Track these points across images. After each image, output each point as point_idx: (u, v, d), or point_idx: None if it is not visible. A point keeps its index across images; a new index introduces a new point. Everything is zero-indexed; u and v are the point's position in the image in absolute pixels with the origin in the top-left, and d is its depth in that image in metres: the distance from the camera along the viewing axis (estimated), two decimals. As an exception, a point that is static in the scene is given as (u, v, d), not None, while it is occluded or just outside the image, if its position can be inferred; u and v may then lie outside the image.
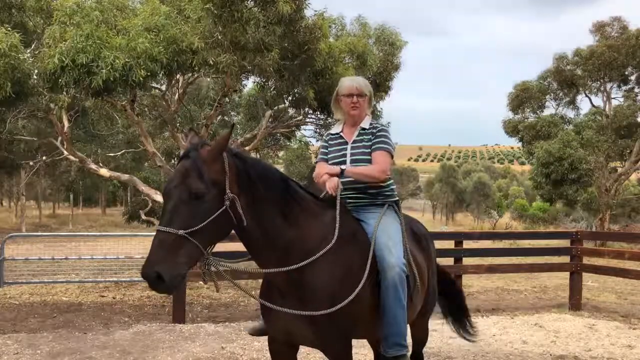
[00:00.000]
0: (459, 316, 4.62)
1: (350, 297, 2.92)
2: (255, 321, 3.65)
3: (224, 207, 2.70)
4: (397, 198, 3.61)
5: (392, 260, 3.15)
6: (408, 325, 3.36)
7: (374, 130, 3.49)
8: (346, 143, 3.52)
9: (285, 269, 2.89)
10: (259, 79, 10.75)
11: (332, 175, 3.37)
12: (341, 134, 3.59)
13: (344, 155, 3.49)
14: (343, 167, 3.39)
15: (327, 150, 3.61)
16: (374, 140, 3.45)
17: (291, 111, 13.42)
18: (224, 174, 2.74)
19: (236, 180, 2.80)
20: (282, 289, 2.99)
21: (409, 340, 4.10)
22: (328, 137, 3.68)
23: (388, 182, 3.52)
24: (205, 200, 2.65)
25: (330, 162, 3.54)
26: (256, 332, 3.45)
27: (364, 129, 3.51)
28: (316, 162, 3.72)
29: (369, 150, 3.45)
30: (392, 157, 3.49)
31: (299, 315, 2.91)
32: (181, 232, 2.56)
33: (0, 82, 8.16)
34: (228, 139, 2.81)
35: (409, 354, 3.34)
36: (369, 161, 3.42)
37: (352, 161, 3.45)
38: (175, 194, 2.64)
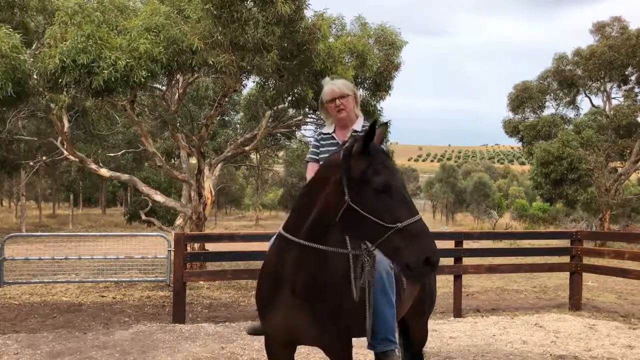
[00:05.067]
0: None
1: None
2: (255, 321, 3.65)
3: None
4: None
5: (379, 258, 3.16)
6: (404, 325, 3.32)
7: None
8: (338, 145, 3.49)
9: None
10: (258, 78, 10.74)
11: None
12: (333, 134, 3.57)
13: None
14: None
15: (318, 151, 3.59)
16: None
17: (291, 111, 13.43)
18: None
19: None
20: (296, 288, 2.94)
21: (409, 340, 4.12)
22: (320, 137, 3.65)
23: None
24: None
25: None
26: (255, 332, 3.45)
27: (356, 131, 3.48)
28: (306, 161, 3.69)
29: None
30: None
31: (303, 313, 2.90)
32: None
33: (1, 83, 8.16)
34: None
35: (397, 350, 3.33)
36: None
37: None
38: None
